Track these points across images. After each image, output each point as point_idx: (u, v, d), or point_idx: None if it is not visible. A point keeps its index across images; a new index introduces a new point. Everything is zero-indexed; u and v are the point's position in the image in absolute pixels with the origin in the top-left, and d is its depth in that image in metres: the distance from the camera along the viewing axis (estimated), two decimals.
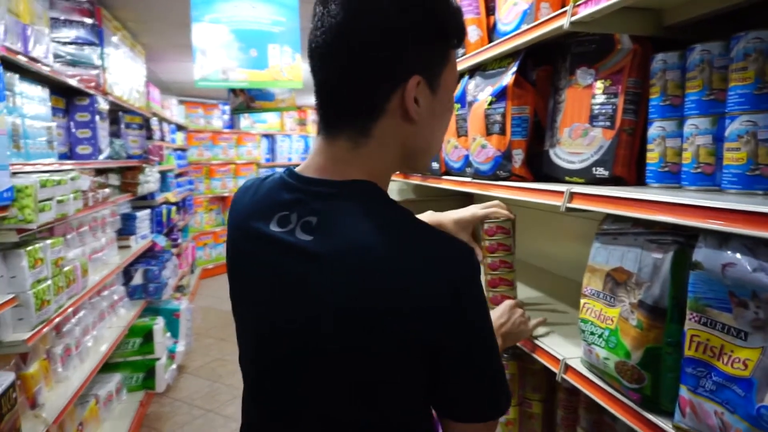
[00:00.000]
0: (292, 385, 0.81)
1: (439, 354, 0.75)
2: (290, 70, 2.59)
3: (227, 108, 6.25)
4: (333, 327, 0.74)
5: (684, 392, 0.83)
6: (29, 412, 2.02)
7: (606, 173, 1.14)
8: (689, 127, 0.98)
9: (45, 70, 2.32)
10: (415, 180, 2.20)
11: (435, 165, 1.91)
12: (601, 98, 1.16)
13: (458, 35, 0.83)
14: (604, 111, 1.15)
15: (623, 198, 0.94)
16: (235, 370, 3.10)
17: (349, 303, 0.72)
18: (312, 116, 9.95)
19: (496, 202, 1.36)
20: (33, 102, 2.26)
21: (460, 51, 1.64)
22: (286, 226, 0.80)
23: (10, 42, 1.98)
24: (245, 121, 7.77)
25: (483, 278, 1.25)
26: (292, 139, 8.60)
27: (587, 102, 1.19)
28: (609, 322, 0.99)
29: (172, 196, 4.91)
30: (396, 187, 2.78)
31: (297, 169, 0.86)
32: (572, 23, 1.05)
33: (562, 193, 1.10)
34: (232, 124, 7.65)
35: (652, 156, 1.06)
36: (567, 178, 1.24)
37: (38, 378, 2.10)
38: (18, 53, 2.05)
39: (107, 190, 3.07)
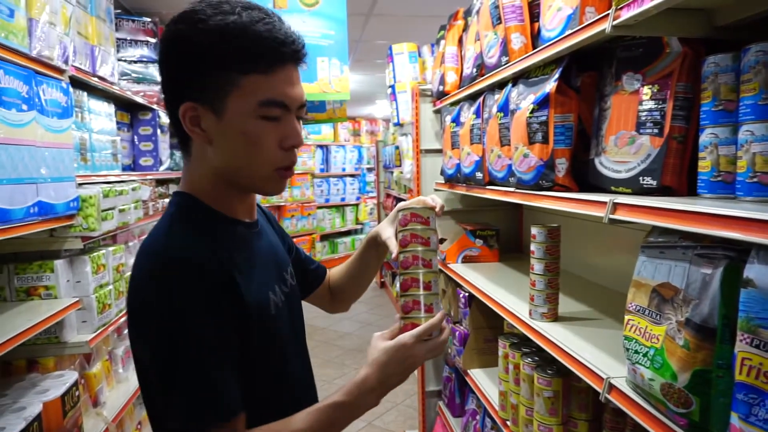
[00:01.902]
0: None
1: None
2: (338, 82, 2.64)
3: None
4: None
5: (735, 420, 0.77)
6: (91, 410, 2.13)
7: (654, 183, 1.08)
8: (744, 133, 0.91)
9: (111, 88, 2.47)
10: (461, 190, 2.18)
11: (479, 175, 1.88)
12: (648, 104, 1.10)
13: (241, 62, 0.85)
14: (651, 118, 1.10)
15: (670, 209, 0.89)
16: None
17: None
18: (366, 127, 10.07)
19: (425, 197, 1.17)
20: (100, 117, 2.41)
21: (506, 60, 1.61)
22: None
23: (79, 62, 2.12)
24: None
25: (397, 283, 1.10)
26: (346, 150, 8.72)
27: (634, 108, 1.13)
28: (654, 340, 0.93)
29: None
30: (442, 197, 2.76)
31: None
32: (614, 27, 1.01)
33: (604, 203, 1.05)
34: None
35: (704, 165, 1.00)
36: (613, 188, 1.18)
37: (100, 378, 2.22)
38: (86, 73, 2.19)
39: (167, 200, 3.22)
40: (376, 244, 1.24)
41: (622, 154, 1.16)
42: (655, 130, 1.08)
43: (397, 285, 1.02)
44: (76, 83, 2.12)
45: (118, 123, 2.69)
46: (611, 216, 1.03)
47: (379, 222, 8.35)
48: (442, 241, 2.53)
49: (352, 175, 8.79)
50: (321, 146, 8.30)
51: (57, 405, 1.71)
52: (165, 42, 0.89)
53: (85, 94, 2.26)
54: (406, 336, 0.92)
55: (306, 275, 1.30)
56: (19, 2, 1.61)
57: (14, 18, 1.58)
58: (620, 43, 1.18)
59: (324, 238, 8.17)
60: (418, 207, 1.03)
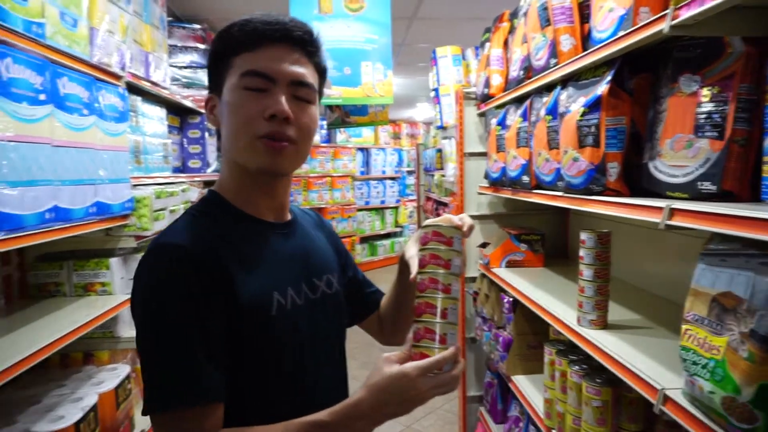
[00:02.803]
0: None
1: None
2: (382, 86, 2.66)
3: (324, 123, 6.51)
4: None
5: None
6: (141, 403, 2.21)
7: (713, 188, 1.04)
8: None
9: (163, 93, 2.56)
10: (506, 194, 2.15)
11: (526, 178, 1.86)
12: (708, 107, 1.06)
13: (234, 46, 0.93)
14: (711, 120, 1.05)
15: (733, 216, 0.85)
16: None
17: None
18: (406, 130, 10.09)
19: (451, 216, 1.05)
20: (152, 121, 2.50)
21: (555, 62, 1.59)
22: None
23: (134, 68, 2.21)
24: (341, 135, 8.03)
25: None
26: (386, 153, 8.76)
27: (692, 111, 1.09)
28: (715, 352, 0.90)
29: None
30: (486, 201, 2.73)
31: None
32: (673, 27, 0.98)
33: (660, 209, 1.02)
34: (328, 138, 7.95)
35: None
36: (668, 193, 1.15)
37: None
38: (141, 78, 2.28)
39: None
40: (403, 265, 1.10)
41: (679, 158, 1.12)
42: (715, 134, 1.04)
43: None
44: (131, 88, 2.21)
45: (168, 126, 2.78)
46: (668, 222, 1.00)
47: (419, 227, 8.41)
48: (484, 245, 2.51)
49: (392, 178, 8.82)
50: (361, 149, 8.36)
51: (111, 396, 1.79)
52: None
53: (139, 99, 2.35)
54: (411, 366, 0.82)
55: (361, 299, 1.23)
56: (81, 12, 1.69)
57: (77, 27, 1.66)
58: (677, 44, 1.15)
59: (364, 240, 8.22)
60: (441, 225, 0.92)
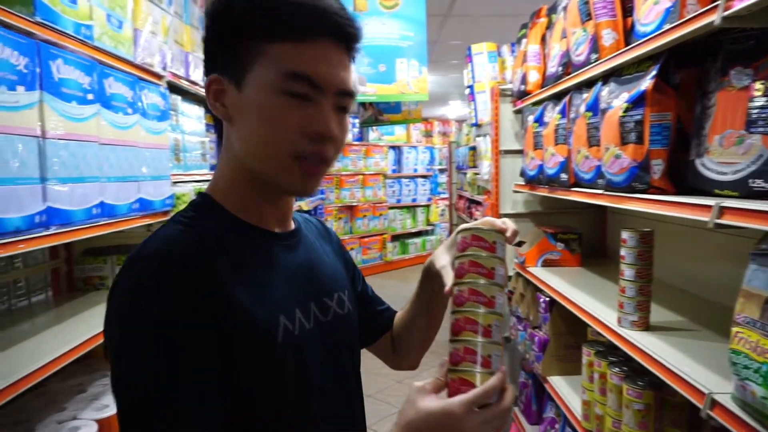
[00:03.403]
0: None
1: None
2: (417, 83, 2.65)
3: (356, 121, 6.54)
4: None
5: None
6: None
7: (766, 186, 1.00)
8: None
9: (202, 92, 2.61)
10: (543, 192, 2.12)
11: (564, 176, 1.82)
12: (761, 101, 1.02)
13: (269, 27, 0.73)
14: (764, 115, 1.01)
15: None
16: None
17: None
18: (438, 128, 10.05)
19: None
20: (191, 119, 2.56)
21: (596, 57, 1.55)
22: None
23: (175, 68, 2.26)
24: (373, 133, 8.06)
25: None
26: (418, 151, 8.74)
27: (743, 106, 1.05)
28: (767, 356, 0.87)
29: (305, 204, 5.24)
30: (522, 199, 2.70)
31: None
32: (725, 18, 0.95)
33: (710, 207, 0.98)
34: (361, 137, 7.98)
35: None
36: (717, 191, 1.11)
37: None
38: (181, 78, 2.34)
39: None
40: (431, 277, 0.93)
41: (729, 154, 1.09)
42: None
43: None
44: (172, 88, 2.26)
45: (206, 125, 2.84)
46: (717, 221, 0.97)
47: (450, 225, 8.29)
48: (519, 244, 2.47)
49: (423, 176, 8.80)
50: (393, 147, 8.37)
51: None
52: (206, 14, 0.79)
53: (179, 98, 2.41)
54: (457, 403, 0.68)
55: (372, 318, 1.06)
56: (126, 14, 1.74)
57: (122, 29, 1.71)
58: (727, 36, 1.11)
59: (395, 238, 8.23)
60: (482, 228, 0.79)
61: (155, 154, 1.93)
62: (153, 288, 0.67)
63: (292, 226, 0.89)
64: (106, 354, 0.74)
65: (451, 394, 0.71)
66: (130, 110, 1.73)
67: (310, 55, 0.73)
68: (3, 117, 1.13)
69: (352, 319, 0.93)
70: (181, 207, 2.08)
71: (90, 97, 1.47)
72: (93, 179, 1.49)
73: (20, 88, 1.19)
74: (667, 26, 1.19)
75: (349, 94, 0.78)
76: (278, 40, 0.73)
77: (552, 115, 1.94)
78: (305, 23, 0.73)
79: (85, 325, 1.57)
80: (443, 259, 0.89)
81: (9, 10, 1.18)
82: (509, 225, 0.83)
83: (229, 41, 0.76)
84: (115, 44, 1.67)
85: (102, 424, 1.53)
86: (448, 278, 0.82)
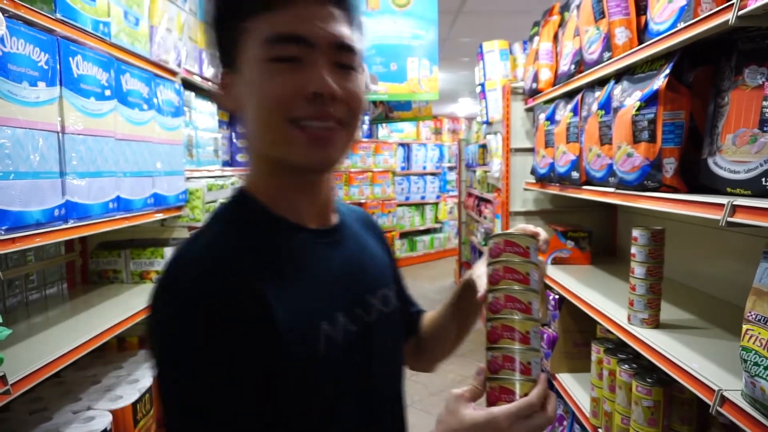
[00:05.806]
0: None
1: None
2: (428, 82, 2.66)
3: (366, 118, 6.55)
4: None
5: None
6: None
7: None
8: None
9: (215, 88, 2.64)
10: (553, 190, 2.13)
11: (575, 174, 1.83)
12: None
13: (244, 4, 0.71)
14: None
15: None
16: None
17: None
18: (447, 125, 10.03)
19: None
20: (204, 116, 2.59)
21: (609, 55, 1.55)
22: None
23: (189, 65, 2.29)
24: (383, 130, 8.06)
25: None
26: (427, 148, 8.74)
27: (757, 105, 1.06)
28: None
29: None
30: (532, 197, 2.70)
31: None
32: (740, 17, 0.95)
33: (722, 205, 0.99)
34: (370, 134, 7.99)
35: None
36: (729, 190, 1.11)
37: None
38: (194, 74, 2.36)
39: None
40: (467, 286, 0.93)
41: (742, 153, 1.09)
42: None
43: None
44: (185, 84, 2.28)
45: (219, 121, 2.86)
46: (729, 219, 0.97)
47: (459, 223, 8.30)
48: None
49: (432, 174, 8.80)
50: (402, 144, 8.37)
51: None
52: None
53: (193, 94, 2.43)
54: (501, 414, 0.66)
55: (406, 318, 1.01)
56: (143, 11, 1.77)
57: (139, 26, 1.74)
58: (742, 35, 1.11)
59: (403, 235, 8.24)
60: (514, 233, 0.78)
61: (169, 150, 1.95)
62: (195, 303, 0.65)
63: (334, 220, 0.85)
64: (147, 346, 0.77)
65: (490, 403, 0.71)
66: (145, 106, 1.76)
67: (290, 16, 0.69)
68: (25, 112, 1.16)
69: (397, 318, 0.90)
70: (195, 202, 2.13)
71: (107, 93, 1.50)
72: (110, 174, 1.51)
73: (41, 84, 1.22)
74: (681, 25, 1.19)
75: (347, 47, 0.72)
76: (256, 13, 0.70)
77: (564, 113, 1.95)
78: None
79: (100, 318, 1.59)
80: (480, 269, 0.88)
81: (31, 7, 1.20)
82: (541, 232, 0.82)
83: (221, 33, 0.75)
84: (131, 41, 1.69)
85: (116, 414, 1.56)
86: (482, 285, 0.81)
